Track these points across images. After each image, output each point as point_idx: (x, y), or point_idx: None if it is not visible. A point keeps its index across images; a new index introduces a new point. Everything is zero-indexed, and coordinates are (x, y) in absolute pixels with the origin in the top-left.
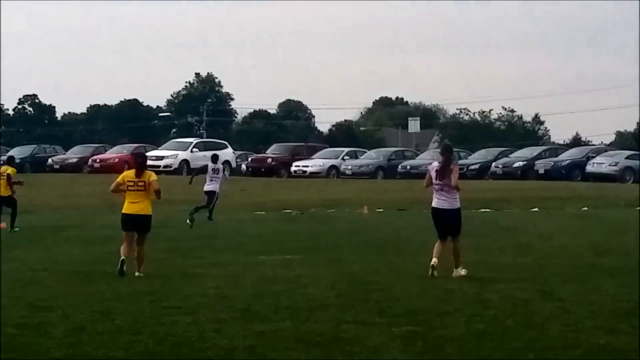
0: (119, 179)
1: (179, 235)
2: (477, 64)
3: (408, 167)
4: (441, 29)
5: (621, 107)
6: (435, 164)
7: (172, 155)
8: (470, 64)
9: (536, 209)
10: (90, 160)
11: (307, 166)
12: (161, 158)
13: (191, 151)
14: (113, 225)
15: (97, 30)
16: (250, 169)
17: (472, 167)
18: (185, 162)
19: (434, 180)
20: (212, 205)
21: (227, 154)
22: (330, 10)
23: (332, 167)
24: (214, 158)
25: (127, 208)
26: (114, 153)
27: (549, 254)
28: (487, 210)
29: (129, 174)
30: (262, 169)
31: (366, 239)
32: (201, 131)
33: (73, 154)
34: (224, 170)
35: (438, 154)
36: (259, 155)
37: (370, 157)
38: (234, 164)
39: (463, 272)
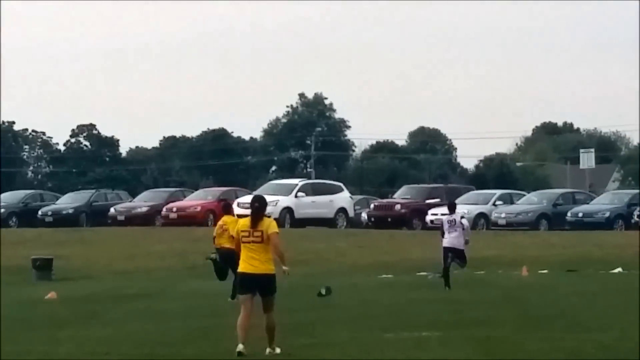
0: (234, 231)
1: (282, 305)
2: None
3: (580, 215)
4: (622, 29)
5: None
6: None
7: (271, 201)
8: None
9: None
10: (164, 210)
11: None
12: None
13: (296, 196)
14: (196, 293)
15: (169, 42)
16: (372, 219)
17: None
18: (288, 210)
19: None
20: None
21: (343, 198)
22: (476, 10)
23: (480, 215)
24: (451, 207)
25: (244, 266)
26: (196, 199)
27: None
28: None
29: (243, 222)
30: (389, 219)
31: (526, 309)
32: (308, 169)
33: (142, 202)
34: (461, 220)
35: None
36: (384, 200)
37: (531, 202)
38: (351, 213)
39: None
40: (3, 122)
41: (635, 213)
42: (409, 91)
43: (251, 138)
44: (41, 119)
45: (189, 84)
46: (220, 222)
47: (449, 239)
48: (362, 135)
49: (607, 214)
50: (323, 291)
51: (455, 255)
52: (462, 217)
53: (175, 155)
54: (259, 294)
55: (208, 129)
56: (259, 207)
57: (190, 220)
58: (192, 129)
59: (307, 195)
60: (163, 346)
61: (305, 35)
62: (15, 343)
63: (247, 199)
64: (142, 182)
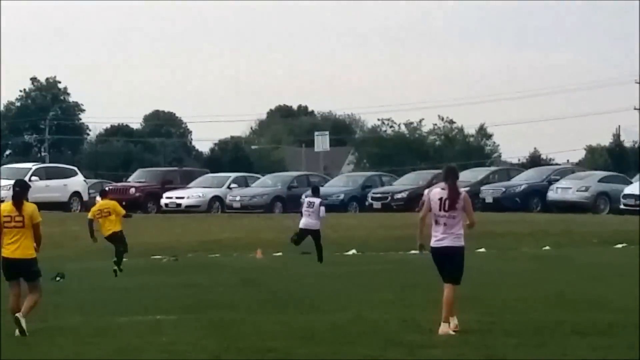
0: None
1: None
2: (404, 61)
3: None
4: (356, 14)
5: (594, 114)
6: (437, 191)
7: (5, 186)
8: (394, 60)
9: (482, 250)
10: None
11: (182, 198)
12: None
13: (30, 179)
14: None
15: None
16: None
17: (398, 195)
18: None
19: (436, 211)
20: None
21: (77, 182)
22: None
23: (215, 198)
24: (314, 190)
25: (7, 251)
26: None
27: (499, 309)
28: (417, 252)
29: (4, 207)
30: (123, 202)
31: (260, 291)
32: (43, 153)
33: None
34: (320, 205)
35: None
36: (119, 184)
37: (265, 185)
38: (85, 197)
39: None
40: None
41: (370, 195)
42: (144, 74)
43: None
44: None
45: None
46: (97, 207)
47: (306, 220)
48: (96, 119)
49: (342, 196)
50: (57, 278)
51: (311, 235)
52: (320, 202)
53: None
54: (23, 278)
55: None
56: (20, 192)
57: None
58: None
59: (40, 179)
60: None
61: (39, 18)
62: None
63: None
64: None
